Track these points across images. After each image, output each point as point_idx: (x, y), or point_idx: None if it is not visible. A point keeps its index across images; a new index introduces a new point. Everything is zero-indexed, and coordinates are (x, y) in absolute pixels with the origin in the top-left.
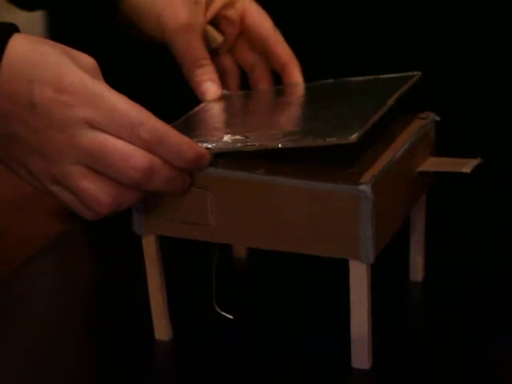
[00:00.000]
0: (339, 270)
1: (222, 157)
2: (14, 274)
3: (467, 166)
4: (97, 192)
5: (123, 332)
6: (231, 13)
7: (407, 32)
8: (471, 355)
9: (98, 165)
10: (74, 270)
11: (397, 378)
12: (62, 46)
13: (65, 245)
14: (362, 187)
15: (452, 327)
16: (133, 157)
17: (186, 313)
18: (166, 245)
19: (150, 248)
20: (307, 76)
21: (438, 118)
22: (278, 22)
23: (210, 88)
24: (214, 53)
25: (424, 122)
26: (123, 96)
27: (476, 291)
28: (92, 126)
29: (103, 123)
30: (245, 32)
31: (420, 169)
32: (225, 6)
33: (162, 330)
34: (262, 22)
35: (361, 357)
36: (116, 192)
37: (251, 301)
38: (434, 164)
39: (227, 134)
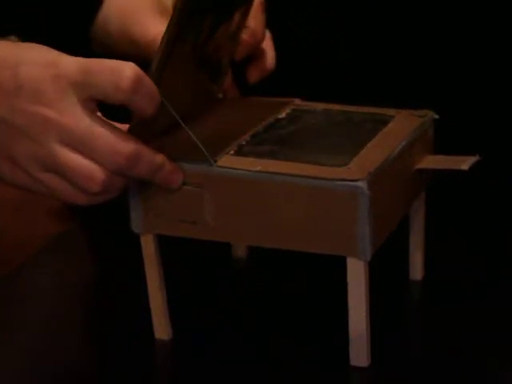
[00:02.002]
0: (339, 269)
1: (219, 155)
2: (13, 274)
3: (465, 163)
4: (88, 168)
5: (123, 331)
6: None
7: (406, 31)
8: (471, 354)
9: (83, 148)
10: (74, 270)
11: (395, 377)
12: None
13: (65, 245)
14: (359, 184)
15: (452, 326)
16: (119, 143)
17: (186, 312)
18: (166, 244)
19: (148, 247)
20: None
21: (436, 116)
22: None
23: None
24: None
25: (422, 120)
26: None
27: (476, 290)
28: (80, 98)
29: (90, 84)
30: None
31: (418, 166)
32: None
33: (161, 329)
34: None
35: (359, 355)
36: (106, 170)
37: (251, 300)
38: (432, 161)
39: None
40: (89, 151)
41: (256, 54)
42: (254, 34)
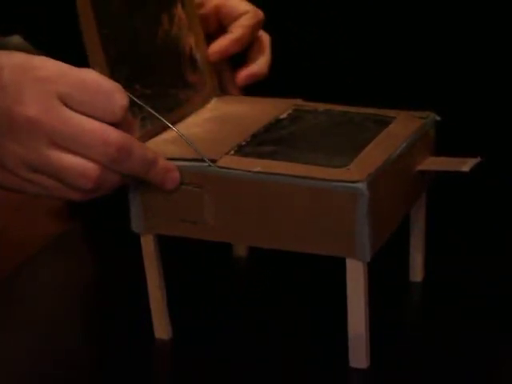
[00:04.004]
0: (339, 269)
1: (219, 155)
2: (13, 274)
3: (466, 164)
4: (81, 166)
5: (123, 331)
6: (202, 11)
7: (407, 32)
8: (470, 355)
9: (74, 145)
10: (74, 270)
11: (395, 378)
12: None
13: (65, 245)
14: (358, 185)
15: (451, 327)
16: (110, 135)
17: (186, 312)
18: (166, 243)
19: (148, 246)
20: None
21: (438, 118)
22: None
23: None
24: None
25: (424, 121)
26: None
27: (476, 291)
28: (65, 102)
29: (75, 96)
30: (222, 22)
31: (419, 168)
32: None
33: (161, 328)
34: (236, 7)
35: (359, 356)
36: (99, 166)
37: (251, 300)
38: (433, 163)
39: None
40: (80, 147)
41: (249, 57)
42: (235, 41)
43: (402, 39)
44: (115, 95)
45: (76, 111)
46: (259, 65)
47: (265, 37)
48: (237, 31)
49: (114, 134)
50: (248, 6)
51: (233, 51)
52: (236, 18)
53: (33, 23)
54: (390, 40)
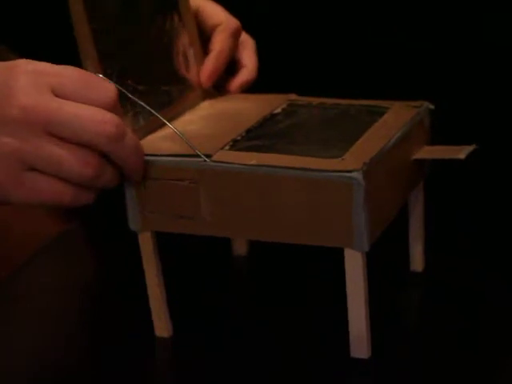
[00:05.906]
0: (339, 266)
1: (214, 150)
2: (14, 274)
3: (462, 152)
4: (80, 152)
5: (124, 330)
6: None
7: (399, 23)
8: (471, 346)
9: (70, 131)
10: (74, 270)
11: (396, 368)
12: None
13: (65, 245)
14: (354, 174)
15: (452, 317)
16: (104, 115)
17: (187, 310)
18: (166, 241)
19: (146, 244)
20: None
21: (431, 107)
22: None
23: None
24: None
25: (418, 110)
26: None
27: (476, 281)
28: (57, 94)
29: (67, 85)
30: (199, 25)
31: (415, 156)
32: None
33: (162, 326)
34: (211, 16)
35: (359, 346)
36: (98, 153)
37: (251, 298)
38: (428, 151)
39: None
40: (77, 130)
41: (237, 64)
42: (217, 58)
43: (394, 30)
44: (105, 84)
45: (70, 98)
46: (248, 71)
47: (250, 41)
48: (215, 48)
49: (108, 114)
50: (222, 17)
51: (220, 68)
52: (210, 27)
53: (20, 33)
54: (384, 33)
